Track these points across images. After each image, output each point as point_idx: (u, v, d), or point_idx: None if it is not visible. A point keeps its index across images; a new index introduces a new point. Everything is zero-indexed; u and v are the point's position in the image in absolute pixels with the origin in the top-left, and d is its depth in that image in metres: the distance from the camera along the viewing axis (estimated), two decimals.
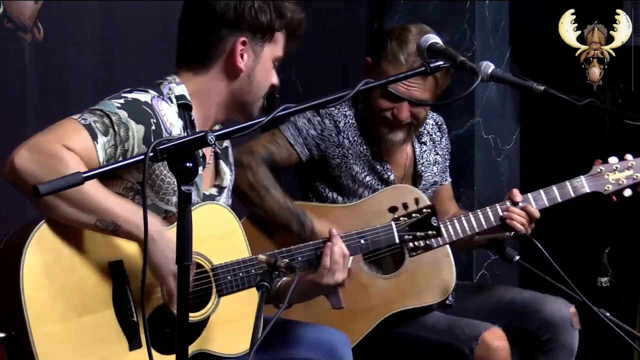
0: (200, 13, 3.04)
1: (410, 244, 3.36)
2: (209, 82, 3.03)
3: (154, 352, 2.77)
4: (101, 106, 2.86)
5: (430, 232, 3.28)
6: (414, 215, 3.28)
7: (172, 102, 2.97)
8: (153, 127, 2.87)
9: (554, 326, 3.76)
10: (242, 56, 3.01)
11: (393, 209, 3.29)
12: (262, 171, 3.62)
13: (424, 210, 3.29)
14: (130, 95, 2.91)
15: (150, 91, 2.95)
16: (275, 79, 3.09)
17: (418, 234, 3.28)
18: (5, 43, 3.70)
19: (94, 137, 2.78)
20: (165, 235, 2.77)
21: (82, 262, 2.76)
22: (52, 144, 2.72)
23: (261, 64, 3.05)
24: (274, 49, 3.07)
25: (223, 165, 3.16)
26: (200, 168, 3.02)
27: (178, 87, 3.01)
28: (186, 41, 3.08)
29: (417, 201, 3.31)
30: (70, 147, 2.73)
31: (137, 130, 2.84)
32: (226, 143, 3.20)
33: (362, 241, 3.24)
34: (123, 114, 2.84)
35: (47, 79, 3.82)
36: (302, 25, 3.10)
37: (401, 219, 3.28)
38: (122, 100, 2.88)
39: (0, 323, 2.71)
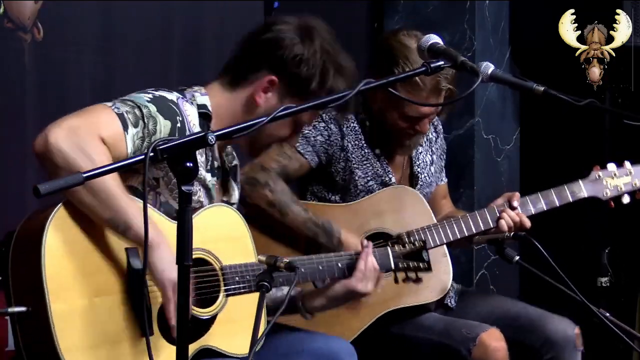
0: (261, 38, 3.04)
1: (403, 273, 3.41)
2: (230, 101, 3.04)
3: (165, 342, 2.82)
4: (132, 98, 2.89)
5: (421, 264, 3.39)
6: (407, 245, 3.38)
7: (193, 106, 2.99)
8: (179, 125, 2.90)
9: (557, 346, 3.75)
10: (266, 93, 3.01)
11: (389, 238, 3.41)
12: (279, 187, 3.60)
13: (417, 243, 3.39)
14: (157, 92, 2.95)
15: (175, 92, 2.99)
16: (285, 133, 3.05)
17: (411, 264, 3.38)
18: (5, 43, 3.71)
19: (125, 127, 2.82)
20: (169, 244, 2.76)
21: (100, 245, 2.78)
22: (88, 130, 2.75)
23: None
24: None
25: (232, 182, 3.17)
26: (215, 179, 3.04)
27: (202, 97, 3.03)
28: (234, 56, 3.08)
29: (408, 235, 3.45)
30: (103, 135, 2.77)
31: (164, 125, 2.87)
32: (235, 161, 3.21)
33: None
34: (152, 107, 2.87)
35: (47, 79, 3.82)
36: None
37: (396, 247, 3.37)
38: (150, 95, 2.92)
39: (18, 298, 2.74)
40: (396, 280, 3.44)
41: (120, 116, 2.82)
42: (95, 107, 2.85)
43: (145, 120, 2.84)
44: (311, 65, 3.00)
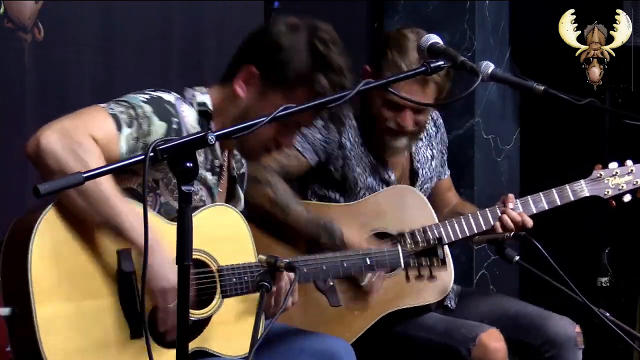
0: (253, 32, 3.04)
1: (415, 271, 3.40)
2: (224, 97, 3.02)
3: (156, 345, 2.80)
4: (127, 98, 2.89)
5: (435, 262, 3.38)
6: (421, 244, 3.38)
7: (193, 107, 2.98)
8: (175, 126, 2.89)
9: (557, 344, 3.75)
10: (247, 84, 2.98)
11: (400, 236, 3.39)
12: (280, 186, 3.59)
13: (432, 241, 3.39)
14: (154, 93, 2.93)
15: (173, 93, 2.97)
16: (272, 134, 2.98)
17: (424, 261, 3.38)
18: (5, 43, 3.71)
19: (119, 128, 2.81)
20: (161, 250, 2.75)
21: (91, 246, 2.78)
22: (80, 131, 2.74)
23: (262, 105, 2.95)
24: (284, 101, 2.85)
25: (239, 190, 3.17)
26: (215, 178, 3.03)
27: (202, 95, 3.02)
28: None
29: (424, 230, 3.40)
30: (96, 136, 2.76)
31: (159, 126, 2.86)
32: (243, 169, 3.20)
33: (368, 260, 3.34)
34: (147, 108, 2.86)
35: (47, 79, 3.82)
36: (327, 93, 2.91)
37: (407, 244, 3.36)
38: (147, 96, 2.91)
39: (6, 300, 2.74)
40: (407, 279, 3.44)
41: (114, 116, 2.81)
42: (88, 109, 2.84)
43: (140, 121, 2.83)
44: (290, 54, 2.95)
